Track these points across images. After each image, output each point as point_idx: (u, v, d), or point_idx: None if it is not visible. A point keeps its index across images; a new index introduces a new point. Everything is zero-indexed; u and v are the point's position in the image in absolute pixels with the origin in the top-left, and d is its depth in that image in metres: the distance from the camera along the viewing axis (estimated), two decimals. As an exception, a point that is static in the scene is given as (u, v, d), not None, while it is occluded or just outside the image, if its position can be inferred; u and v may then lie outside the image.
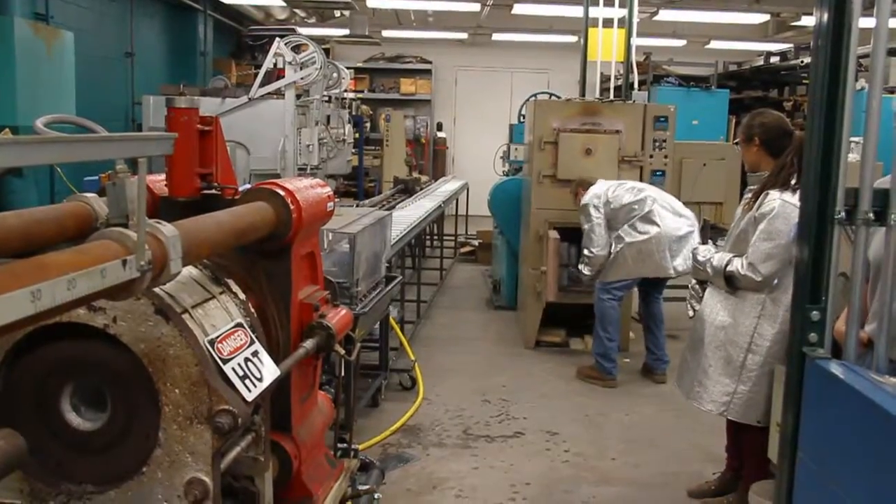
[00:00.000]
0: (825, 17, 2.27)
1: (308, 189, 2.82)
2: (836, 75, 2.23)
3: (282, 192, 2.60)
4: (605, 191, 5.87)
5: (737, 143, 3.99)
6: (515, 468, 4.46)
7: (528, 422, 5.14)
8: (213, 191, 2.61)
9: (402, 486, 4.20)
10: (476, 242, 11.05)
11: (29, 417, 2.01)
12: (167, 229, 1.73)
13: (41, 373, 2.01)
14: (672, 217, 5.83)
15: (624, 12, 7.38)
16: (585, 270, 5.95)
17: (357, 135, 13.25)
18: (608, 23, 7.55)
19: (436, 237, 10.86)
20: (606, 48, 7.52)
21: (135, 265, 1.57)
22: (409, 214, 7.47)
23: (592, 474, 4.43)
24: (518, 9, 12.66)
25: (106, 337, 1.94)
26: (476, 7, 12.88)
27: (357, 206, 7.19)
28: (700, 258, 3.91)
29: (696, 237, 5.79)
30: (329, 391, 3.73)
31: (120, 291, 1.59)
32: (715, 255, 3.83)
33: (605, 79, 8.34)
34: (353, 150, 12.29)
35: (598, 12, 7.45)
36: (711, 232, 5.50)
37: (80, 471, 2.02)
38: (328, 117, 10.47)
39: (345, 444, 3.45)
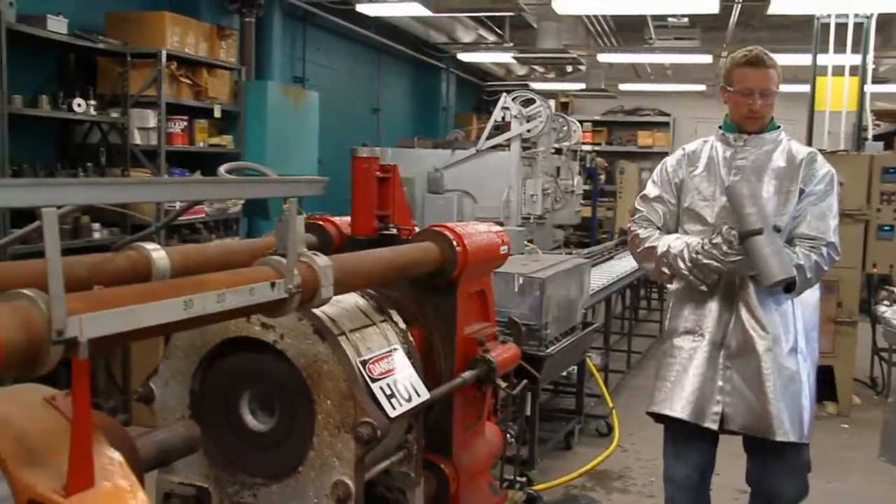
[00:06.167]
0: None
1: (479, 234, 3.05)
2: None
3: (449, 234, 2.85)
4: None
5: None
6: (702, 524, 4.36)
7: (718, 478, 4.97)
8: (390, 230, 2.93)
9: (580, 527, 4.26)
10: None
11: (216, 415, 2.39)
12: (321, 260, 2.03)
13: (227, 378, 2.39)
14: None
15: (857, 59, 7.04)
16: None
17: (589, 186, 13.43)
18: (839, 70, 7.22)
19: (654, 289, 10.69)
20: (836, 97, 7.19)
21: (283, 287, 1.87)
22: (622, 265, 7.50)
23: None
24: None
25: (275, 351, 2.28)
26: (710, 59, 12.69)
27: (565, 253, 7.34)
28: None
29: None
30: (513, 427, 3.92)
31: (272, 309, 1.90)
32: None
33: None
34: (583, 202, 12.46)
35: (827, 59, 7.15)
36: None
37: (252, 465, 2.36)
38: (558, 168, 10.74)
39: (512, 477, 3.61)
